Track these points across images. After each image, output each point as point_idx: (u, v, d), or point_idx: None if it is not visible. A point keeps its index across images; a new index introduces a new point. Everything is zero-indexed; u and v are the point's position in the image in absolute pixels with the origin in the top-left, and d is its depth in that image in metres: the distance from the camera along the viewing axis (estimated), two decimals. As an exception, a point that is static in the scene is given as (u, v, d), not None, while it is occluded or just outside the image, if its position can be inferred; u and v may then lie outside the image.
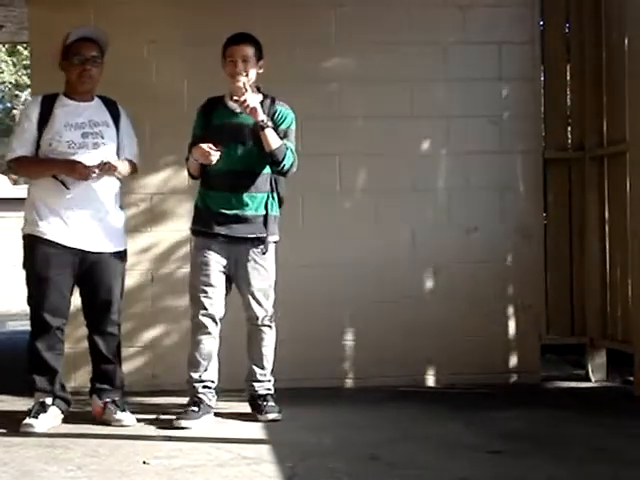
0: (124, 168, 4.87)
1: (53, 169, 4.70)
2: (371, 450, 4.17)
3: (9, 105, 27.83)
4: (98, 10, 5.79)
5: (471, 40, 6.11)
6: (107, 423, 4.76)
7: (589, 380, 6.16)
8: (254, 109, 4.71)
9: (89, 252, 4.76)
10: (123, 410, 4.83)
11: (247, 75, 4.79)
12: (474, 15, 6.13)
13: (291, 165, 4.84)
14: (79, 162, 4.66)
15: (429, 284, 6.08)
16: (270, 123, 4.76)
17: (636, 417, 5.04)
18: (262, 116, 4.74)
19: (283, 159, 4.78)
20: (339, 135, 5.98)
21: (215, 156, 4.70)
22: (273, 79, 5.80)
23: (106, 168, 4.70)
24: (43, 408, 4.74)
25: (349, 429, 4.69)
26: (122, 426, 4.72)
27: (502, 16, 6.16)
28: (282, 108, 4.93)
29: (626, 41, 5.77)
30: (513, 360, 6.11)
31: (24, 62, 21.61)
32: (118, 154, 4.85)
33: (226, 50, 4.85)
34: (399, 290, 6.00)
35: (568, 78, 6.36)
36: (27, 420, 4.68)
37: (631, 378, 5.81)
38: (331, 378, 5.90)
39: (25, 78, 22.74)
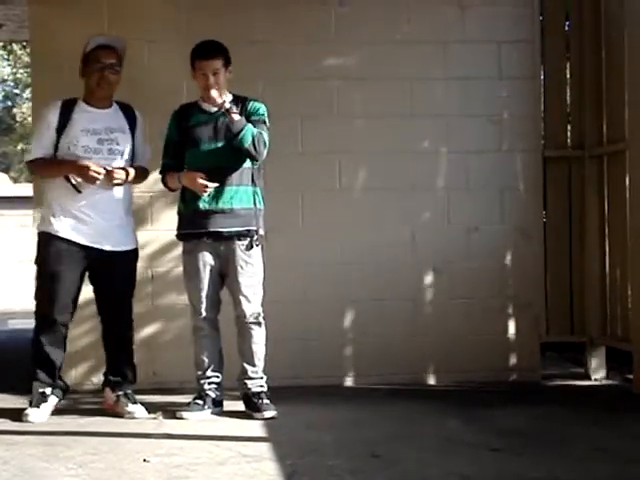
0: (130, 176, 4.96)
1: (66, 169, 4.86)
2: (371, 448, 4.18)
3: (9, 103, 27.85)
4: (98, 10, 5.81)
5: (471, 39, 6.11)
6: (119, 415, 4.91)
7: (589, 378, 6.17)
8: (229, 108, 4.84)
9: (101, 250, 4.90)
10: (134, 402, 4.96)
11: (219, 88, 4.89)
12: (474, 14, 6.14)
13: (251, 144, 4.85)
14: (88, 165, 4.79)
15: (429, 283, 6.08)
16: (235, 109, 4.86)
17: (636, 415, 5.04)
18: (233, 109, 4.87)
19: (240, 132, 4.82)
20: (338, 134, 5.99)
21: (209, 191, 4.82)
22: (272, 78, 5.84)
23: (112, 176, 4.83)
24: (44, 398, 4.92)
25: (349, 427, 4.70)
26: (133, 418, 4.87)
27: (502, 15, 6.16)
28: (254, 102, 5.01)
29: (626, 40, 5.78)
30: (513, 358, 6.12)
31: (24, 60, 21.60)
32: (133, 159, 5.01)
33: (195, 62, 4.94)
34: (399, 289, 6.00)
35: (568, 77, 6.37)
36: (28, 410, 4.85)
37: (630, 376, 5.81)
38: (331, 376, 5.90)
39: (26, 76, 22.74)
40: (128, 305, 5.04)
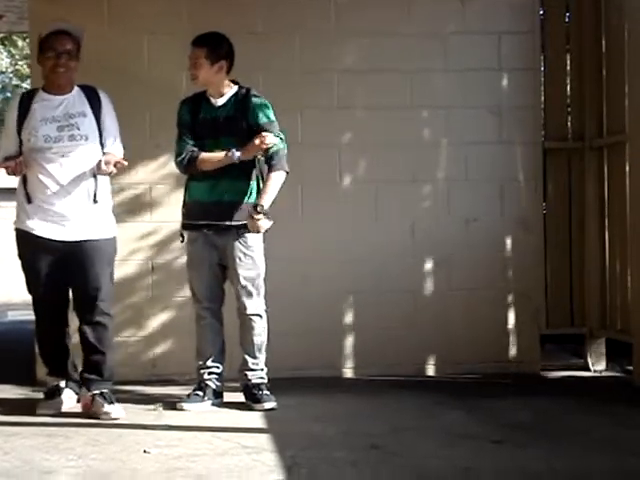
0: (119, 163, 4.75)
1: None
2: (372, 439, 4.18)
3: (9, 95, 27.81)
4: (97, 2, 5.79)
5: (471, 30, 6.09)
6: (95, 416, 4.67)
7: (588, 370, 6.17)
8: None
9: (70, 242, 4.71)
10: (111, 402, 4.73)
11: (197, 77, 4.92)
12: (474, 5, 6.12)
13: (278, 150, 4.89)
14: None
15: (429, 275, 6.08)
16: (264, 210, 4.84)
17: (635, 406, 5.05)
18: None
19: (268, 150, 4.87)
20: (338, 126, 5.98)
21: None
22: (272, 69, 5.83)
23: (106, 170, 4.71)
24: (58, 391, 4.87)
25: (350, 419, 4.70)
26: (111, 419, 4.63)
27: (502, 6, 6.15)
28: (256, 99, 4.94)
29: (626, 31, 5.77)
30: (513, 350, 6.12)
31: (24, 52, 21.55)
32: (102, 143, 4.79)
33: None
34: (399, 281, 6.00)
35: (568, 68, 6.36)
36: (42, 402, 4.82)
37: (630, 367, 5.82)
38: (332, 368, 5.91)
39: (26, 68, 22.69)
40: (104, 298, 4.75)
